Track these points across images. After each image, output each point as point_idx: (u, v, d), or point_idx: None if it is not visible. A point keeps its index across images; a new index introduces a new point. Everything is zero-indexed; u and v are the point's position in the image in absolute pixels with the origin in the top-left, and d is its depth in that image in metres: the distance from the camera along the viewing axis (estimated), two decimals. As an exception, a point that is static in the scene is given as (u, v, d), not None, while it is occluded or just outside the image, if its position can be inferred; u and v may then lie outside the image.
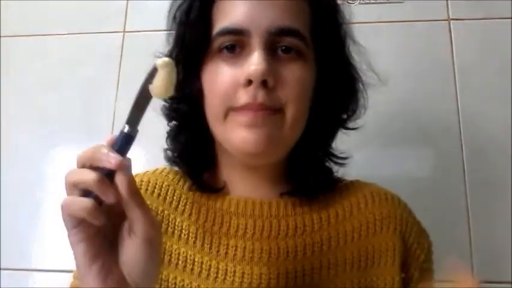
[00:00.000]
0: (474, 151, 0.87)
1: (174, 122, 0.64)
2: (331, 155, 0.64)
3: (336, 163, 0.64)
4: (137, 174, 0.65)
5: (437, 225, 0.86)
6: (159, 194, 0.62)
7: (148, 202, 0.59)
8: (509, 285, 0.83)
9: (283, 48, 0.56)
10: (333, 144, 0.65)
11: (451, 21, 0.90)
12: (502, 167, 0.86)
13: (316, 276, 0.58)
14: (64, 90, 0.95)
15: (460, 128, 0.88)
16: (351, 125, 0.65)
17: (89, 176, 0.43)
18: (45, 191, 0.92)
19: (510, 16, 0.89)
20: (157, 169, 0.67)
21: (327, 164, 0.64)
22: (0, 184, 0.94)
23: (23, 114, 0.96)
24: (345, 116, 0.64)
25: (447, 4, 0.90)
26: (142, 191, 0.62)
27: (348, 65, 0.64)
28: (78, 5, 1.00)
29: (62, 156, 0.94)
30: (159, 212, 0.61)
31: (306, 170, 0.62)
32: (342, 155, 0.64)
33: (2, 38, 0.98)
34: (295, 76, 0.56)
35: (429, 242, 0.65)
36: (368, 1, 0.91)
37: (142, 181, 0.64)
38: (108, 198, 0.43)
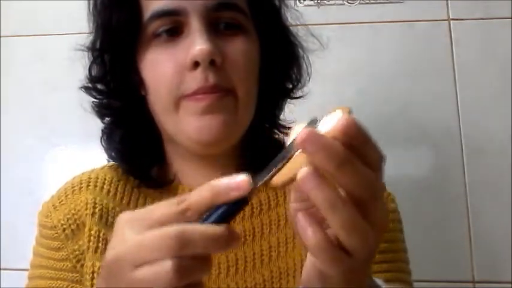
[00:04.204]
0: (474, 151, 0.87)
1: (107, 119, 0.61)
2: (281, 127, 0.63)
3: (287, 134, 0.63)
4: (84, 173, 0.63)
5: (437, 225, 0.86)
6: (108, 190, 0.60)
7: (97, 199, 0.58)
8: (509, 285, 0.83)
9: (224, 24, 0.54)
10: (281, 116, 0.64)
11: (451, 21, 0.90)
12: (502, 167, 0.86)
13: (273, 255, 0.56)
14: (64, 90, 0.95)
15: (460, 128, 0.88)
16: (297, 94, 0.64)
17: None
18: (45, 191, 0.92)
19: (510, 16, 0.88)
20: (106, 164, 0.64)
21: (277, 136, 0.62)
22: (0, 184, 0.94)
23: (23, 114, 0.96)
24: (290, 86, 0.63)
25: (447, 4, 0.90)
26: (90, 188, 0.59)
27: (287, 32, 0.63)
28: (78, 5, 1.00)
29: (62, 156, 0.94)
30: (110, 209, 0.58)
31: (257, 145, 0.60)
32: (290, 125, 0.62)
33: (2, 38, 0.98)
34: (240, 51, 0.54)
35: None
36: (368, 1, 0.91)
37: (90, 178, 0.61)
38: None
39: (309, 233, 0.32)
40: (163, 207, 0.34)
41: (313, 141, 0.30)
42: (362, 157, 0.31)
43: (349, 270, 0.33)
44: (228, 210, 0.33)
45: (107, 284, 0.35)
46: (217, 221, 0.33)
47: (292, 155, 0.33)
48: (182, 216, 0.33)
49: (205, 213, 0.33)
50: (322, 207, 0.31)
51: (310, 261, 0.35)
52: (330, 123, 0.31)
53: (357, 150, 0.31)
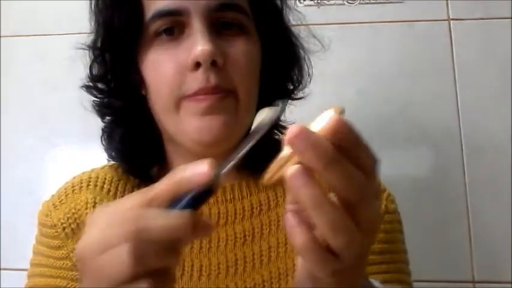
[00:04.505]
0: (474, 151, 0.87)
1: (108, 118, 0.61)
2: (281, 128, 0.62)
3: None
4: (84, 172, 0.63)
5: (437, 225, 0.86)
6: (109, 190, 0.60)
7: (97, 198, 0.58)
8: (509, 285, 0.83)
9: (226, 24, 0.54)
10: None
11: (451, 21, 0.90)
12: (502, 167, 0.86)
13: (273, 255, 0.56)
14: (64, 90, 0.95)
15: (460, 128, 0.88)
16: (298, 95, 0.64)
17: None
18: (45, 191, 0.92)
19: (510, 16, 0.89)
20: (106, 164, 0.64)
21: (277, 137, 0.62)
22: (0, 184, 0.94)
23: (23, 114, 0.96)
24: (291, 87, 0.63)
25: (447, 4, 0.90)
26: (91, 188, 0.60)
27: (289, 33, 0.63)
28: (78, 5, 1.00)
29: (62, 156, 0.94)
30: None
31: (257, 145, 0.59)
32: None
33: (2, 38, 0.98)
34: (242, 52, 0.54)
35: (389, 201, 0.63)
36: (368, 1, 0.91)
37: (90, 177, 0.61)
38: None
39: (296, 232, 0.32)
40: (130, 199, 0.34)
41: (302, 138, 0.30)
42: (353, 159, 0.31)
43: (338, 272, 0.33)
44: (194, 198, 0.33)
45: (81, 274, 0.35)
46: (183, 209, 0.33)
47: (256, 139, 0.34)
48: (148, 207, 0.33)
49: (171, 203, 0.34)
50: (308, 205, 0.30)
51: (300, 262, 0.35)
52: (321, 123, 0.31)
53: (347, 152, 0.31)
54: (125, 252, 0.31)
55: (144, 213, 0.32)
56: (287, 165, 0.32)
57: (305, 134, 0.30)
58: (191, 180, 0.33)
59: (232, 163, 0.34)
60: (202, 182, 0.33)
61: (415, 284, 0.63)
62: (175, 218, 0.32)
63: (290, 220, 0.32)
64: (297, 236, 0.32)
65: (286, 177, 0.31)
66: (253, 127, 0.35)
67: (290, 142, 0.30)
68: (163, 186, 0.34)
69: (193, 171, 0.33)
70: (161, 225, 0.32)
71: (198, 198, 0.33)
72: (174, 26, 0.53)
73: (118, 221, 0.32)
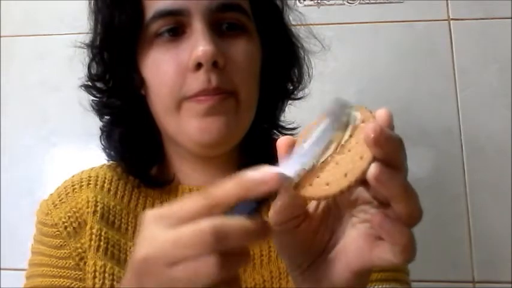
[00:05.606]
0: (474, 151, 0.87)
1: (106, 117, 0.61)
2: (280, 127, 0.63)
3: (286, 135, 0.63)
4: (84, 171, 0.63)
5: (437, 225, 0.86)
6: (109, 189, 0.59)
7: (98, 197, 0.58)
8: (509, 285, 0.83)
9: (227, 24, 0.54)
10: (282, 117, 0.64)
11: (451, 21, 0.90)
12: (502, 167, 0.86)
13: (273, 255, 0.56)
14: (64, 90, 0.95)
15: (460, 128, 0.88)
16: (298, 95, 0.64)
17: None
18: (45, 191, 0.92)
19: (510, 16, 0.88)
20: (104, 164, 0.63)
21: (277, 137, 0.61)
22: (0, 184, 0.94)
23: (23, 114, 0.96)
24: (291, 87, 0.63)
25: (447, 4, 0.90)
26: (91, 186, 0.59)
27: (289, 33, 0.63)
28: (78, 5, 1.00)
29: (62, 156, 0.94)
30: (111, 207, 0.58)
31: (257, 146, 0.60)
32: (290, 126, 0.63)
33: (2, 38, 0.98)
34: (243, 52, 0.54)
35: None
36: (368, 1, 0.91)
37: (90, 176, 0.61)
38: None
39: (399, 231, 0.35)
40: (191, 203, 0.33)
41: (383, 133, 0.32)
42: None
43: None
44: (258, 204, 0.32)
45: (140, 284, 0.33)
46: (248, 214, 0.32)
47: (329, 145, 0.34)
48: (209, 212, 0.32)
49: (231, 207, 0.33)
50: (400, 193, 0.34)
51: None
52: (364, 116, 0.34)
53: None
54: (211, 263, 0.30)
55: (222, 224, 0.31)
56: (317, 176, 0.32)
57: (384, 129, 0.33)
58: (257, 188, 0.32)
59: (302, 170, 0.33)
60: (270, 190, 0.32)
61: (415, 284, 0.63)
62: (249, 227, 0.31)
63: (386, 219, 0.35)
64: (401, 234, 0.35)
65: (371, 177, 0.31)
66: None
67: (375, 139, 0.32)
68: (225, 192, 0.32)
69: (260, 179, 0.32)
70: (238, 235, 0.31)
71: (261, 204, 0.33)
72: (175, 26, 0.53)
73: (192, 231, 0.31)
